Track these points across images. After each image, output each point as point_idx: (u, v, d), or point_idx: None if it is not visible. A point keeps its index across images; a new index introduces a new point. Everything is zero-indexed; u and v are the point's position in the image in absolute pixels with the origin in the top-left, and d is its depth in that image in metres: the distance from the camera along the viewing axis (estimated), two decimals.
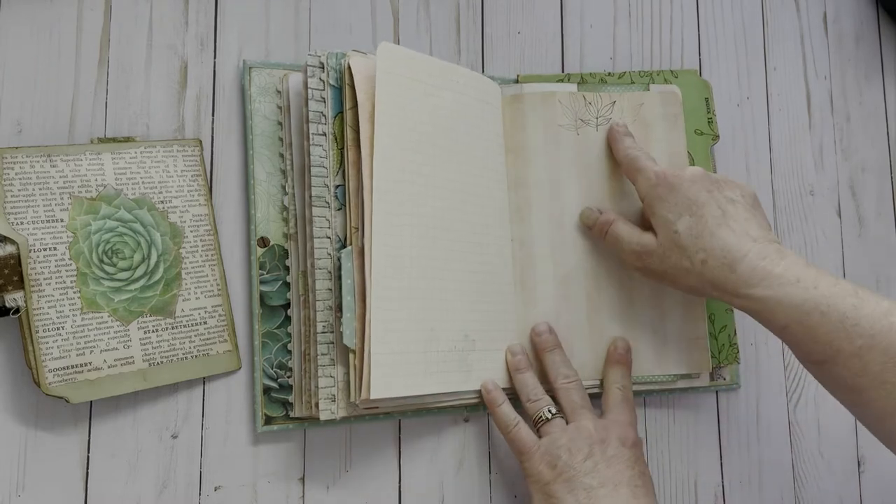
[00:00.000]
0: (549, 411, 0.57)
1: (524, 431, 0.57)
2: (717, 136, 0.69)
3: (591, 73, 0.68)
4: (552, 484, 0.54)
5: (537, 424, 0.57)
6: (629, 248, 0.59)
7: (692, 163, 0.67)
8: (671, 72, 0.69)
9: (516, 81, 0.67)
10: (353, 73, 0.56)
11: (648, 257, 0.58)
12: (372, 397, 0.53)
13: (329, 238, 0.56)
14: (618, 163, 0.63)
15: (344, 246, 0.56)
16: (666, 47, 0.72)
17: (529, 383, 0.59)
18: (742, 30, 0.75)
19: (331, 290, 0.56)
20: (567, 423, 0.57)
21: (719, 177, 0.58)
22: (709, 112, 0.69)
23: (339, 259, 0.55)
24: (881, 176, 0.77)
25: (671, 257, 0.56)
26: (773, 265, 0.53)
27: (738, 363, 0.67)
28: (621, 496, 0.53)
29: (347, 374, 0.55)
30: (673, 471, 0.66)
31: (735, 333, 0.66)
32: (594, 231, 0.62)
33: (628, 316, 0.63)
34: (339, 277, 0.55)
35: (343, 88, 0.57)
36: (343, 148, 0.57)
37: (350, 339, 0.54)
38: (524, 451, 0.56)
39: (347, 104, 0.57)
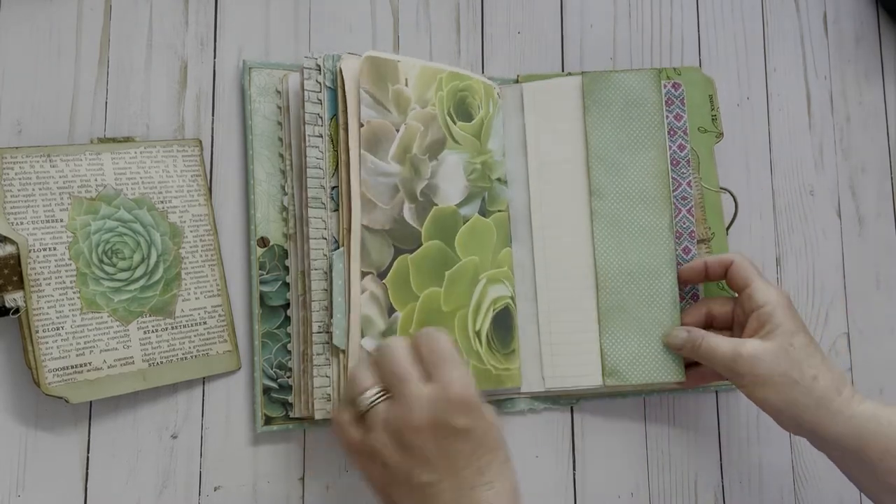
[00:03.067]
0: None
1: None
2: (722, 134, 0.68)
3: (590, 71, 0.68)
4: None
5: None
6: (734, 354, 0.57)
7: (697, 162, 0.67)
8: (674, 69, 0.69)
9: (516, 81, 0.67)
10: (343, 76, 0.56)
11: (758, 362, 0.57)
12: None
13: (325, 239, 0.56)
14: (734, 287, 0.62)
15: (338, 247, 0.56)
16: (666, 47, 0.72)
17: None
18: (742, 30, 0.75)
19: (326, 290, 0.56)
20: None
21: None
22: (713, 109, 0.68)
23: (332, 260, 0.56)
24: (881, 176, 0.77)
25: (781, 365, 0.56)
26: (861, 397, 0.57)
27: None
28: None
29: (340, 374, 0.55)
30: (673, 471, 0.66)
31: None
32: (684, 351, 0.61)
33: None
34: (332, 278, 0.55)
35: (338, 90, 0.57)
36: (338, 150, 0.57)
37: (340, 340, 0.54)
38: None
39: (341, 107, 0.57)
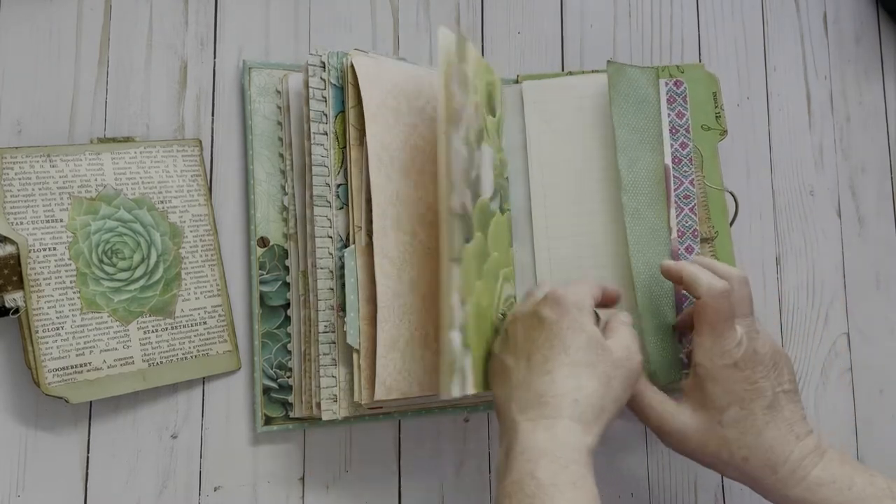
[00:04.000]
0: None
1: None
2: (725, 132, 0.67)
3: (593, 71, 0.68)
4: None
5: None
6: (664, 425, 0.54)
7: (700, 161, 0.66)
8: (677, 67, 0.68)
9: (516, 81, 0.67)
10: (356, 72, 0.56)
11: (687, 439, 0.54)
12: (381, 398, 0.53)
13: (331, 237, 0.56)
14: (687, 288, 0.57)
15: (346, 245, 0.56)
16: (666, 47, 0.72)
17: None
18: (742, 30, 0.75)
19: (332, 289, 0.56)
20: None
21: (778, 353, 0.55)
22: (716, 107, 0.67)
23: (341, 258, 0.55)
24: (881, 176, 0.77)
25: (709, 445, 0.53)
26: (812, 465, 0.53)
27: None
28: None
29: (350, 374, 0.55)
30: (673, 471, 0.66)
31: None
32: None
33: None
34: (342, 276, 0.55)
35: (345, 87, 0.57)
36: (345, 147, 0.57)
37: (354, 339, 0.54)
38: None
39: (349, 103, 0.57)
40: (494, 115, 0.61)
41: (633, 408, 0.56)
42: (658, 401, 0.55)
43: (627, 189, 0.62)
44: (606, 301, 0.56)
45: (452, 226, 0.51)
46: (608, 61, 0.64)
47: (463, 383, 0.50)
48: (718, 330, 0.53)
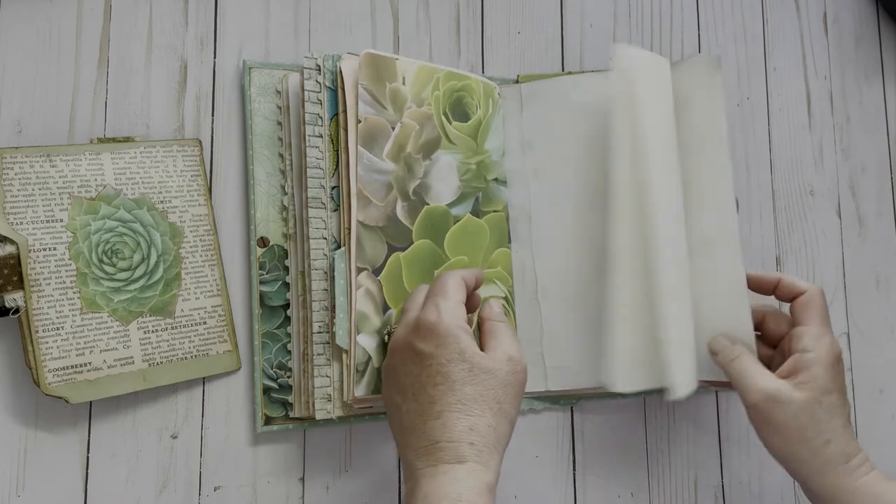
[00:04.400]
0: None
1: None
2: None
3: (593, 72, 0.68)
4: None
5: None
6: (760, 389, 0.55)
7: None
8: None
9: (516, 81, 0.67)
10: (343, 76, 0.57)
11: (782, 407, 0.54)
12: (357, 395, 0.54)
13: (325, 239, 0.56)
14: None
15: (339, 247, 0.56)
16: (666, 47, 0.72)
17: None
18: (742, 30, 0.75)
19: (326, 290, 0.56)
20: None
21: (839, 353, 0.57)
22: None
23: (333, 260, 0.56)
24: (881, 176, 0.77)
25: (801, 419, 0.54)
26: (870, 468, 0.55)
27: None
28: None
29: (343, 373, 0.55)
30: (673, 471, 0.66)
31: None
32: (719, 357, 0.59)
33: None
34: (334, 278, 0.55)
35: (338, 91, 0.57)
36: (339, 150, 0.57)
37: (343, 340, 0.54)
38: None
39: (341, 106, 0.57)
40: (468, 120, 0.61)
41: (726, 368, 0.57)
42: (759, 368, 0.56)
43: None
44: (476, 286, 0.55)
45: (361, 238, 0.55)
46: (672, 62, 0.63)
47: (376, 383, 0.55)
48: (825, 319, 0.57)
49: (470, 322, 0.54)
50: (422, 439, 0.47)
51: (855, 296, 0.74)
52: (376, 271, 0.56)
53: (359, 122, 0.56)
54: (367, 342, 0.55)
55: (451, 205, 0.60)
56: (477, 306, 0.55)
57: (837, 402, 0.55)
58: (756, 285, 0.60)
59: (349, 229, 0.56)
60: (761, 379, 0.55)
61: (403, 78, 0.59)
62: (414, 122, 0.59)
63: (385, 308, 0.56)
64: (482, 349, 0.50)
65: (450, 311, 0.49)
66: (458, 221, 0.60)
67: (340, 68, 0.57)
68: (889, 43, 0.80)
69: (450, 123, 0.61)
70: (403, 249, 0.57)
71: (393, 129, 0.58)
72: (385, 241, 0.56)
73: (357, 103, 0.56)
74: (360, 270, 0.55)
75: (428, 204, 0.59)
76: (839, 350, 0.56)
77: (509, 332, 0.52)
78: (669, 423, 0.67)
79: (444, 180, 0.60)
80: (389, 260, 0.56)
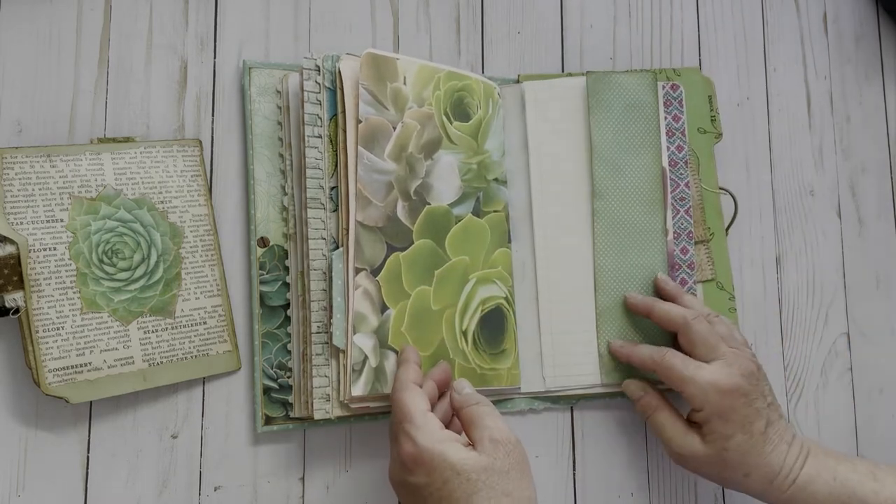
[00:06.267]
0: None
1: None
2: (721, 135, 0.68)
3: (594, 71, 0.68)
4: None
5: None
6: (672, 447, 0.58)
7: (697, 163, 0.67)
8: (673, 70, 0.69)
9: (517, 81, 0.67)
10: (342, 77, 0.57)
11: (693, 460, 0.57)
12: (354, 394, 0.54)
13: (324, 239, 0.56)
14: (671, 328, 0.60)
15: (338, 247, 0.56)
16: (666, 47, 0.72)
17: None
18: (742, 30, 0.75)
19: (325, 290, 0.56)
20: None
21: (758, 367, 0.57)
22: (711, 110, 0.69)
23: (331, 260, 0.56)
24: (881, 176, 0.77)
25: (715, 467, 0.57)
26: (800, 466, 0.56)
27: None
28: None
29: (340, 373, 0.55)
30: (673, 471, 0.66)
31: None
32: (637, 407, 0.61)
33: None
34: (332, 278, 0.55)
35: (337, 91, 0.57)
36: (338, 150, 0.57)
37: (340, 340, 0.54)
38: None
39: (340, 107, 0.57)
40: (469, 120, 0.61)
41: (652, 427, 0.60)
42: (670, 424, 0.58)
43: (603, 195, 0.63)
44: (442, 384, 0.54)
45: (360, 239, 0.55)
46: (587, 72, 0.65)
47: (373, 383, 0.54)
48: (710, 346, 0.57)
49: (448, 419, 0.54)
50: None
51: (855, 296, 0.74)
52: (375, 272, 0.56)
53: (360, 122, 0.56)
54: (364, 342, 0.55)
55: (452, 205, 0.60)
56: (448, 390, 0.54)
57: (744, 439, 0.55)
58: (634, 309, 0.62)
59: (347, 230, 0.56)
60: (673, 437, 0.58)
61: (404, 78, 0.59)
62: (415, 122, 0.59)
63: (383, 308, 0.56)
64: (468, 437, 0.49)
65: (423, 433, 0.47)
66: (459, 221, 0.60)
67: (339, 69, 0.57)
68: (889, 43, 0.80)
69: (451, 123, 0.61)
70: (403, 249, 0.57)
71: (394, 128, 0.58)
72: (384, 241, 0.56)
73: (357, 104, 0.56)
74: (358, 271, 0.55)
75: (429, 204, 0.59)
76: (734, 380, 0.55)
77: (488, 411, 0.50)
78: None
79: (445, 180, 0.60)
80: (388, 260, 0.56)
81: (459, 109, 0.61)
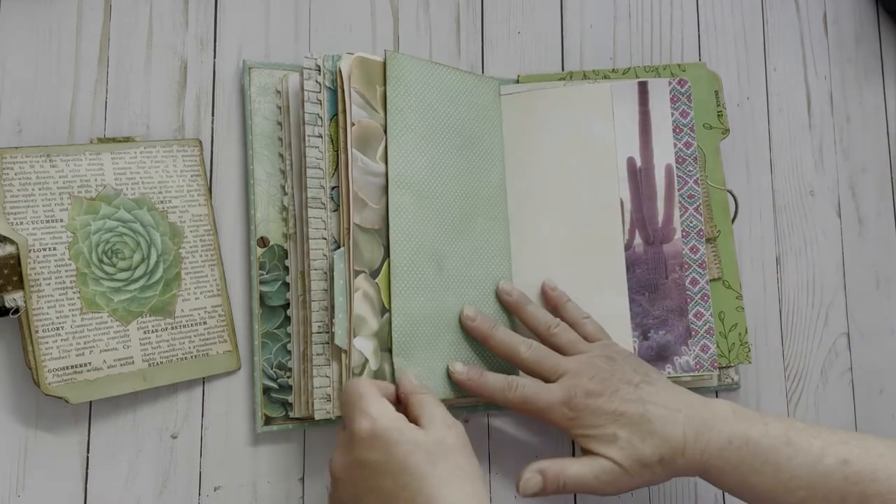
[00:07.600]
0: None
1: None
2: (728, 131, 0.68)
3: (593, 71, 0.68)
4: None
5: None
6: (600, 490, 0.53)
7: (703, 160, 0.66)
8: (678, 65, 0.68)
9: (516, 81, 0.67)
10: (342, 76, 0.56)
11: (620, 483, 0.53)
12: None
13: (325, 239, 0.56)
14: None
15: (339, 247, 0.56)
16: (666, 47, 0.72)
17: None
18: (742, 30, 0.75)
19: (326, 290, 0.56)
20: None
21: (605, 359, 0.55)
22: (718, 105, 0.68)
23: (332, 260, 0.55)
24: (881, 176, 0.77)
25: (631, 484, 0.53)
26: (707, 430, 0.52)
27: (750, 363, 0.65)
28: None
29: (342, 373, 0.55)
30: None
31: (746, 332, 0.65)
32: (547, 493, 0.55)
33: None
34: (333, 278, 0.55)
35: (338, 91, 0.57)
36: (338, 150, 0.57)
37: (342, 340, 0.54)
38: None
39: (340, 107, 0.57)
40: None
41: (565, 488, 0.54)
42: (585, 477, 0.53)
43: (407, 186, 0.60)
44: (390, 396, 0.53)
45: (358, 241, 0.55)
46: (385, 50, 0.59)
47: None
48: (551, 374, 0.55)
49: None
50: None
51: (855, 296, 0.74)
52: (373, 274, 0.56)
53: (352, 124, 0.56)
54: (364, 345, 0.55)
55: None
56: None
57: (631, 454, 0.52)
58: (472, 333, 0.59)
59: (348, 230, 0.56)
60: (591, 484, 0.53)
61: None
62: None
63: (383, 311, 0.56)
64: (417, 423, 0.49)
65: (380, 412, 0.48)
66: None
67: (340, 68, 0.57)
68: (889, 43, 0.80)
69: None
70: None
71: (385, 131, 0.58)
72: (381, 243, 0.56)
73: (349, 104, 0.56)
74: (357, 273, 0.55)
75: None
76: (581, 388, 0.53)
77: (436, 401, 0.51)
78: None
79: None
80: (386, 262, 0.56)
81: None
